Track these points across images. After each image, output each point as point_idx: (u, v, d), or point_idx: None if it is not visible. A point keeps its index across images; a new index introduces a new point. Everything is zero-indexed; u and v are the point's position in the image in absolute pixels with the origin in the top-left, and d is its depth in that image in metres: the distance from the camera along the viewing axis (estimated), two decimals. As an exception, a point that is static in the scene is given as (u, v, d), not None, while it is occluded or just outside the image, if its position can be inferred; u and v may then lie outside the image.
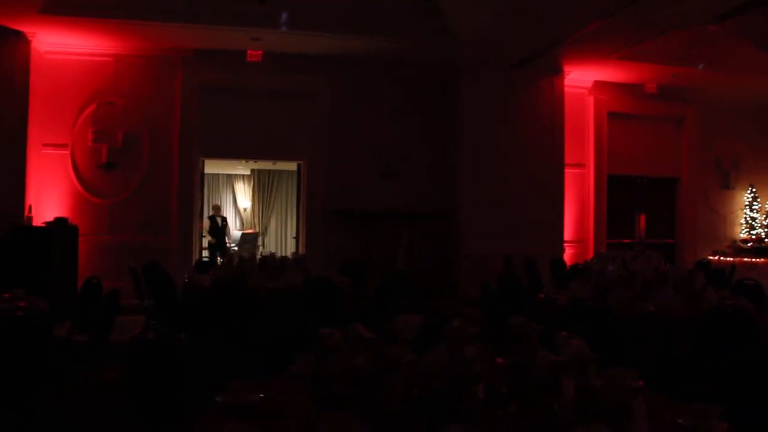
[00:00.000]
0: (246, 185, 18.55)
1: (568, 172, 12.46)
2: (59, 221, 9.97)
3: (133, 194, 10.82)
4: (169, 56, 10.90)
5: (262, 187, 18.23)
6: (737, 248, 14.05)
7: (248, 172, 18.22)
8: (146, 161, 10.86)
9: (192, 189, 11.16)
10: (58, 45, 10.51)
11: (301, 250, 11.60)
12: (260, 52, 10.95)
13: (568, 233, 12.46)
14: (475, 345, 2.44)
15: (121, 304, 5.46)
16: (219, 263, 9.37)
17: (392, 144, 11.69)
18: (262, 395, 2.73)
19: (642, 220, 13.54)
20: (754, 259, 13.35)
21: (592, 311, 5.03)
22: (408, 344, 2.61)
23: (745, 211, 14.41)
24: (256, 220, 18.23)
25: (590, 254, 11.88)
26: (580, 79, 12.68)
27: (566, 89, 12.33)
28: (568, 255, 12.15)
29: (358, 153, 11.56)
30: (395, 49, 10.94)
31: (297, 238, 12.54)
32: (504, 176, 11.73)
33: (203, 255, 11.98)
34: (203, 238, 12.58)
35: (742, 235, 14.32)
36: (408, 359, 2.42)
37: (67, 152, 10.67)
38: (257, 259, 7.44)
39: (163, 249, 10.43)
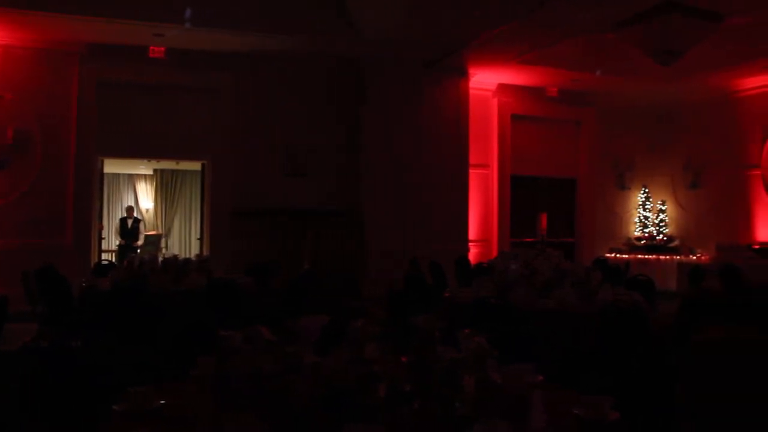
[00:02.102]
0: (148, 185, 17.99)
1: (473, 172, 12.70)
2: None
3: (24, 194, 10.28)
4: (64, 49, 10.42)
5: (166, 187, 17.72)
6: (632, 246, 14.71)
7: (151, 172, 17.67)
8: (39, 159, 10.34)
9: (90, 189, 10.73)
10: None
11: (205, 252, 11.36)
12: (163, 48, 10.65)
13: (472, 232, 12.71)
14: (378, 344, 2.44)
15: (13, 312, 5.18)
16: (119, 266, 9.05)
17: (299, 142, 11.59)
18: (163, 401, 2.65)
19: (543, 219, 13.95)
20: (647, 256, 14.01)
21: (494, 308, 5.13)
22: (311, 344, 2.59)
23: (639, 210, 15.10)
24: (159, 222, 17.71)
25: (494, 253, 12.16)
26: (485, 81, 12.98)
27: (471, 91, 12.58)
28: (473, 254, 12.40)
29: (264, 151, 11.41)
30: (301, 46, 10.87)
31: (201, 239, 12.27)
32: (409, 176, 11.83)
33: (102, 258, 11.52)
34: (102, 240, 12.09)
35: (636, 233, 15.00)
36: (310, 359, 2.40)
37: (-49, 150, 10.06)
38: (159, 261, 7.24)
39: (59, 252, 9.95)
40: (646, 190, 15.05)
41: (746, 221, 13.36)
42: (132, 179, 17.96)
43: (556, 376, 3.15)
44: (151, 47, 10.59)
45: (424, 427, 2.17)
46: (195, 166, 14.02)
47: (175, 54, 10.72)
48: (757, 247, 12.38)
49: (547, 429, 2.30)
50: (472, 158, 12.61)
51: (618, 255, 13.93)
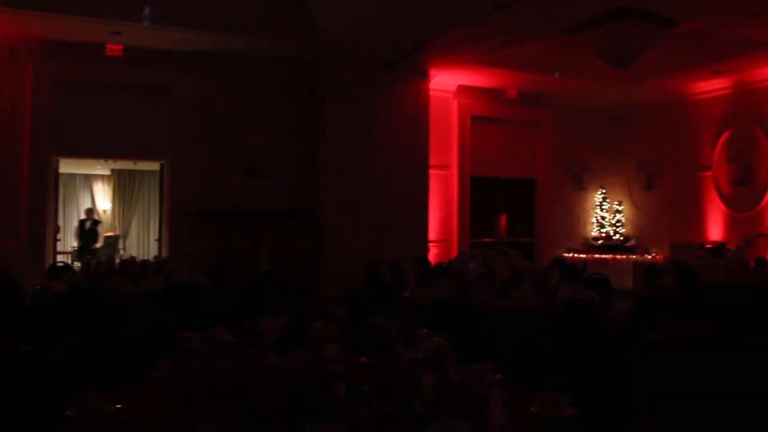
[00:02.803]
0: (106, 186, 17.70)
1: (433, 173, 12.76)
2: None
3: (-26, 195, 10.04)
4: (18, 46, 10.18)
5: (123, 187, 17.45)
6: (589, 245, 14.95)
7: (108, 172, 17.39)
8: (-8, 159, 10.11)
9: (44, 190, 10.51)
10: None
11: (164, 253, 11.20)
12: (120, 47, 10.47)
13: (432, 233, 12.77)
14: (337, 345, 2.45)
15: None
16: (75, 268, 8.89)
17: (258, 142, 11.51)
18: (119, 405, 2.62)
19: (503, 219, 14.11)
20: (604, 256, 14.25)
21: (453, 308, 5.17)
22: (271, 345, 2.59)
23: (596, 210, 15.35)
24: (117, 223, 17.44)
25: (454, 253, 12.23)
26: (445, 82, 13.05)
27: (431, 92, 12.62)
28: (433, 254, 12.46)
29: (223, 152, 11.30)
30: (260, 46, 10.80)
31: (160, 240, 12.11)
32: (369, 176, 11.82)
33: (57, 260, 11.30)
34: (57, 242, 11.84)
35: (593, 233, 15.24)
36: (270, 360, 2.40)
37: None
38: (116, 263, 7.14)
39: (12, 255, 9.70)
40: (603, 191, 15.31)
41: (699, 221, 13.70)
42: (89, 180, 17.65)
43: (515, 375, 3.19)
44: (108, 45, 10.40)
45: (383, 426, 2.18)
46: (153, 166, 13.85)
47: (132, 52, 10.56)
48: (709, 246, 12.69)
49: (506, 427, 2.33)
50: (432, 159, 12.67)
51: (576, 255, 14.14)
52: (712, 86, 13.32)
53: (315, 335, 2.49)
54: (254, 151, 11.50)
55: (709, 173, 13.59)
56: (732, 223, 13.10)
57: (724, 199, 13.30)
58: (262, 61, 11.36)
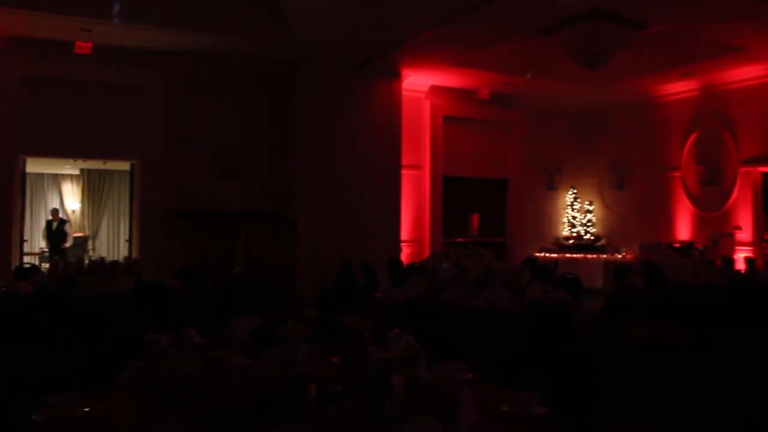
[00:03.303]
0: (75, 186, 17.45)
1: (405, 173, 12.78)
2: None
3: (-61, 196, 9.85)
4: (-18, 43, 10.03)
5: (93, 187, 17.23)
6: (561, 245, 15.08)
7: (77, 172, 17.15)
8: (-43, 159, 9.93)
9: (11, 190, 10.34)
10: None
11: (134, 254, 11.09)
12: (90, 44, 10.34)
13: (405, 233, 12.79)
14: (309, 345, 2.45)
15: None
16: (43, 269, 8.76)
17: (232, 142, 11.45)
18: (87, 408, 2.58)
19: (475, 219, 14.17)
20: (575, 255, 14.38)
21: (425, 308, 5.19)
22: (242, 346, 2.58)
23: (567, 210, 15.49)
24: (86, 223, 17.21)
25: (426, 253, 12.25)
26: (418, 83, 13.08)
27: (404, 93, 12.65)
28: (406, 254, 12.48)
29: (195, 151, 11.21)
30: (234, 45, 10.73)
31: (130, 241, 11.98)
32: (342, 176, 11.81)
33: (24, 261, 11.12)
34: (24, 243, 11.66)
35: (564, 233, 15.38)
36: (241, 361, 2.39)
37: None
38: (85, 264, 7.05)
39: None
40: (574, 191, 15.45)
41: (667, 221, 13.90)
42: (57, 179, 17.39)
43: (486, 375, 3.21)
44: (78, 42, 10.27)
45: (354, 426, 2.18)
46: (124, 166, 13.69)
47: (102, 50, 10.43)
48: (677, 245, 12.87)
49: (476, 426, 2.34)
50: (405, 159, 12.69)
51: (547, 254, 14.25)
52: (680, 88, 13.52)
53: (286, 336, 2.48)
54: (227, 151, 11.44)
55: (677, 174, 13.79)
56: (700, 223, 13.31)
57: (693, 199, 13.51)
58: (235, 61, 11.30)
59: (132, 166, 11.79)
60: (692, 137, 13.54)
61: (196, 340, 2.49)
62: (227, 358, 2.38)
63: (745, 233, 12.48)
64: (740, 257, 11.03)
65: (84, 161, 15.46)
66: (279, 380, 2.25)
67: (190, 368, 2.35)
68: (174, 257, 9.93)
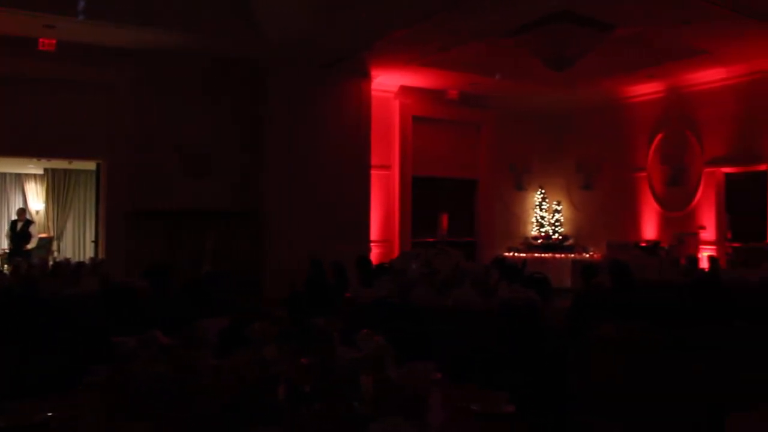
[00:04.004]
0: (39, 185, 17.14)
1: (375, 173, 12.78)
2: None
3: None
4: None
5: (57, 187, 16.92)
6: (529, 245, 15.21)
7: (41, 172, 16.84)
8: None
9: (-27, 189, 10.15)
10: None
11: (101, 255, 10.93)
12: (54, 41, 10.15)
13: (374, 233, 12.79)
14: (278, 346, 2.43)
15: None
16: (5, 270, 8.60)
17: (200, 141, 11.34)
18: (50, 413, 2.54)
19: (444, 219, 14.23)
20: (543, 255, 14.51)
21: (395, 308, 5.19)
22: (211, 348, 2.55)
23: (535, 210, 15.63)
24: (51, 224, 16.91)
25: (396, 253, 12.29)
26: (387, 83, 13.09)
27: (373, 93, 12.64)
28: (375, 254, 12.48)
29: (163, 150, 11.08)
30: (201, 44, 10.62)
31: (96, 241, 11.81)
32: (312, 176, 11.76)
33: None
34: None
35: (533, 233, 15.51)
36: (210, 363, 2.37)
37: None
38: (50, 265, 6.94)
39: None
40: (543, 191, 15.60)
41: (634, 220, 14.10)
42: (20, 179, 17.07)
43: (456, 374, 3.23)
44: (41, 39, 10.07)
45: (324, 427, 2.17)
46: (89, 165, 13.49)
47: (67, 47, 10.24)
48: (643, 244, 13.07)
49: (446, 426, 2.35)
50: (374, 159, 12.68)
51: (516, 254, 14.35)
52: (646, 90, 13.73)
53: (255, 337, 2.47)
54: (196, 150, 11.33)
55: (644, 174, 14.00)
56: (665, 223, 13.53)
57: (658, 199, 13.72)
58: (204, 60, 11.19)
59: (98, 165, 11.62)
60: (658, 138, 13.75)
61: (163, 341, 2.46)
62: (196, 359, 2.36)
63: (708, 233, 12.72)
64: (704, 256, 11.22)
65: (48, 161, 15.20)
66: (248, 381, 2.23)
67: (159, 370, 2.32)
68: (141, 258, 9.81)
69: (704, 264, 10.28)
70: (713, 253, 11.66)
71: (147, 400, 2.30)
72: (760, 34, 10.04)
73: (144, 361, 2.40)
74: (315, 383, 2.32)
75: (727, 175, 12.81)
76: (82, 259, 9.91)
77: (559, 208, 15.52)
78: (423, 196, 14.10)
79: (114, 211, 10.96)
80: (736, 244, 12.17)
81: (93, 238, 13.02)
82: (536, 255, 14.42)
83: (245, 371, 2.27)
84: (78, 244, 17.10)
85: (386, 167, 13.41)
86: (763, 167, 12.11)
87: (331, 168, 11.92)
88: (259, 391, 2.22)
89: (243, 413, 2.19)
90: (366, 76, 12.43)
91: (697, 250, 12.14)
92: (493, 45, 10.59)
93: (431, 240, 13.63)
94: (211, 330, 2.66)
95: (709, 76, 12.54)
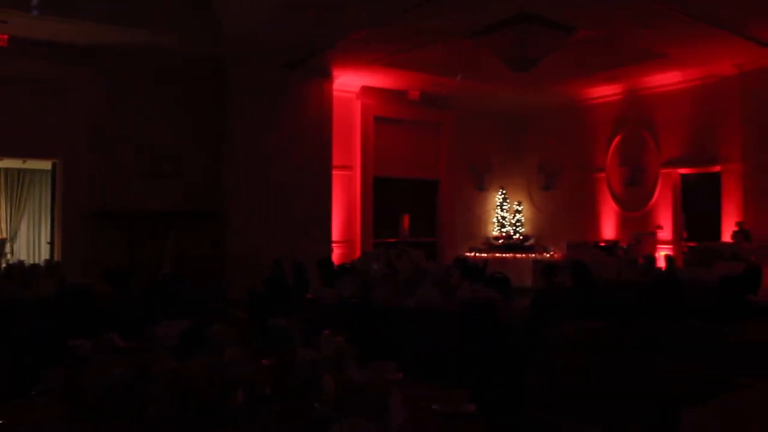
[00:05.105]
0: (-9, 185, 16.74)
1: (336, 173, 12.75)
2: None
3: None
4: None
5: (11, 187, 16.52)
6: (490, 245, 15.32)
7: (-6, 171, 16.47)
8: None
9: None
10: None
11: (57, 257, 10.70)
12: (6, 36, 9.87)
13: (336, 233, 12.76)
14: (238, 348, 2.41)
15: None
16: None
17: (161, 141, 11.17)
18: (1, 421, 2.47)
19: (406, 219, 14.26)
20: (504, 254, 14.63)
21: (357, 308, 5.19)
22: (170, 350, 2.52)
23: (497, 211, 15.75)
24: (4, 225, 16.52)
25: (358, 253, 12.27)
26: (349, 83, 13.07)
27: (335, 93, 12.60)
28: (337, 254, 12.45)
29: (123, 150, 10.89)
30: (162, 41, 10.45)
31: (52, 243, 11.56)
32: (273, 177, 11.68)
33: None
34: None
35: (494, 233, 15.63)
36: (169, 366, 2.34)
37: None
38: (3, 268, 6.78)
39: None
40: (504, 192, 15.73)
41: (593, 220, 14.31)
42: (-28, 179, 16.63)
43: (417, 373, 3.23)
44: (-7, 35, 9.84)
45: (285, 429, 2.16)
46: (45, 165, 13.20)
47: (20, 43, 9.98)
48: (602, 244, 13.27)
49: (406, 425, 2.35)
50: (336, 159, 12.65)
51: (477, 254, 14.45)
52: (606, 92, 13.95)
53: (215, 339, 2.44)
54: (158, 150, 11.17)
55: (603, 175, 14.22)
56: (624, 222, 13.75)
57: (617, 199, 13.95)
58: (165, 57, 11.02)
59: (53, 165, 11.37)
60: (617, 139, 13.98)
61: (120, 344, 2.42)
62: (154, 362, 2.32)
63: (665, 232, 12.97)
64: (661, 255, 11.43)
65: (1, 160, 14.84)
66: (208, 384, 2.20)
67: (115, 373, 2.28)
68: (100, 260, 9.64)
69: (661, 263, 10.46)
70: (670, 253, 11.89)
71: (104, 404, 2.26)
72: (714, 39, 10.27)
73: (100, 364, 2.36)
74: (276, 385, 2.30)
75: (683, 176, 13.08)
76: (36, 262, 9.68)
77: (520, 208, 15.67)
78: (385, 196, 14.10)
79: (71, 212, 10.74)
80: (691, 244, 12.44)
81: (48, 240, 12.76)
82: (497, 255, 14.52)
83: (204, 374, 2.24)
84: (33, 245, 16.72)
85: (348, 168, 13.39)
86: (717, 168, 12.39)
87: (293, 168, 11.85)
88: (218, 394, 2.19)
89: (202, 416, 2.17)
90: (328, 76, 12.39)
91: (654, 249, 12.37)
92: (456, 46, 10.64)
93: (393, 240, 13.63)
94: (171, 332, 2.63)
95: (666, 79, 12.79)
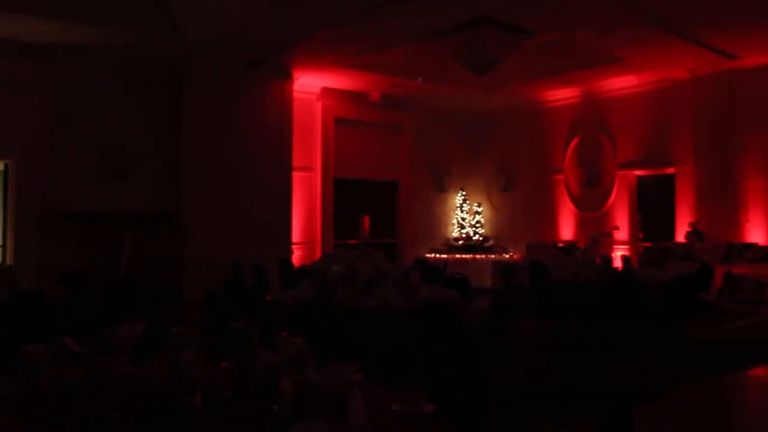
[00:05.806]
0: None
1: (296, 175, 12.71)
2: None
3: None
4: None
5: (-38, 188, 16.13)
6: (450, 246, 15.41)
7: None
8: None
9: None
10: None
11: (8, 260, 10.46)
12: (-46, 34, 9.66)
13: (296, 235, 12.71)
14: (196, 351, 2.39)
15: None
16: None
17: (119, 141, 11.00)
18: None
19: (366, 221, 14.26)
20: (464, 256, 14.74)
21: (317, 310, 5.18)
22: (127, 354, 2.49)
23: (456, 212, 15.85)
24: (-45, 226, 16.10)
25: (318, 255, 12.24)
26: (309, 84, 13.04)
27: (295, 94, 12.56)
28: (297, 256, 12.41)
29: (79, 150, 10.70)
30: (119, 40, 10.29)
31: (4, 246, 11.29)
32: (232, 178, 11.58)
33: None
34: None
35: (454, 234, 15.73)
36: (125, 369, 2.31)
37: None
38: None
39: None
40: (464, 193, 15.84)
41: (552, 221, 14.50)
42: None
43: (377, 374, 3.24)
44: (-54, 32, 9.58)
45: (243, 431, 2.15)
46: (-3, 165, 12.89)
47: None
48: (561, 245, 13.46)
49: (366, 426, 2.35)
50: (296, 161, 12.60)
51: (438, 255, 14.53)
52: (563, 95, 14.17)
53: (172, 341, 2.42)
54: (114, 150, 11.00)
55: (561, 176, 14.43)
56: (581, 223, 13.97)
57: (574, 200, 14.16)
58: (123, 56, 10.86)
59: (6, 165, 11.11)
60: (574, 142, 14.19)
61: (74, 348, 2.38)
62: (109, 365, 2.29)
63: (622, 233, 13.22)
64: (618, 256, 11.64)
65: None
66: (165, 387, 2.18)
67: (70, 379, 2.24)
68: (55, 263, 9.43)
69: (618, 263, 10.66)
70: (626, 253, 12.11)
71: (59, 410, 2.23)
72: (668, 45, 10.52)
73: (54, 369, 2.32)
74: (234, 387, 2.29)
75: (639, 177, 13.35)
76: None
77: (479, 209, 15.79)
78: (345, 197, 14.11)
79: (25, 213, 10.51)
80: (646, 244, 12.70)
81: (0, 242, 12.47)
82: (457, 256, 14.63)
83: (161, 377, 2.22)
84: (-16, 248, 16.31)
85: (308, 169, 13.36)
86: (671, 170, 12.67)
87: (252, 169, 11.78)
88: (176, 397, 2.17)
89: (160, 420, 2.15)
90: (288, 77, 12.34)
91: (611, 249, 12.58)
92: (416, 48, 10.70)
93: (353, 242, 13.63)
94: (128, 335, 2.59)
95: (622, 83, 13.05)
